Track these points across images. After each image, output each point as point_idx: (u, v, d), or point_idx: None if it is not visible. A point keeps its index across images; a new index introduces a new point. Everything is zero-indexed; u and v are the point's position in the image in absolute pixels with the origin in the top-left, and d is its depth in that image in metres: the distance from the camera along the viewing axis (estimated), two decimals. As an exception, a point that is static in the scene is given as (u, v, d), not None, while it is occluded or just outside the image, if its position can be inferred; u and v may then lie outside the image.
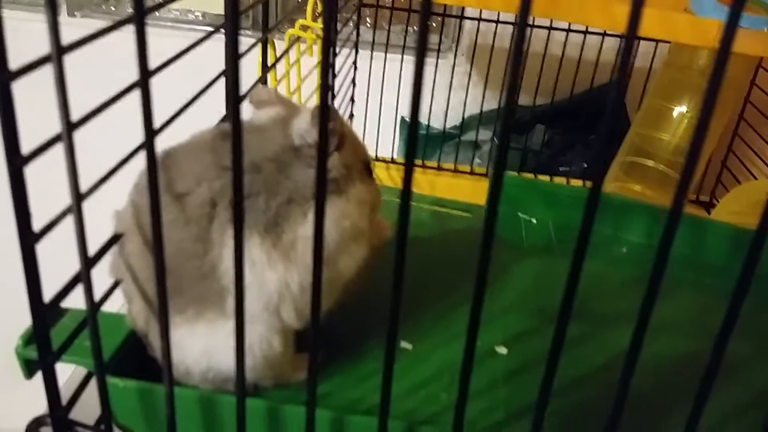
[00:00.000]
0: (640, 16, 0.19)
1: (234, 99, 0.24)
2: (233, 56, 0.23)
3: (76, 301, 0.31)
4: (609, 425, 0.28)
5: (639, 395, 0.38)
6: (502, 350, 0.41)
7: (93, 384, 0.34)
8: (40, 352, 0.29)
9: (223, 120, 0.46)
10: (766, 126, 0.88)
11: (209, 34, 0.38)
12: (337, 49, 0.82)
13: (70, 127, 0.26)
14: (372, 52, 1.00)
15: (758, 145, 0.90)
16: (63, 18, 1.10)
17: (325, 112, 0.27)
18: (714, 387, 0.25)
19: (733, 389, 0.39)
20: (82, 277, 0.28)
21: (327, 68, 0.26)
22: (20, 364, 0.33)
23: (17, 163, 0.25)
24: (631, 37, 0.19)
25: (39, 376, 0.30)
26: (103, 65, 0.75)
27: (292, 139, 0.35)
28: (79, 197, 0.27)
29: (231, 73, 0.24)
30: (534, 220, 0.56)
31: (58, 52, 0.24)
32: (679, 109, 0.85)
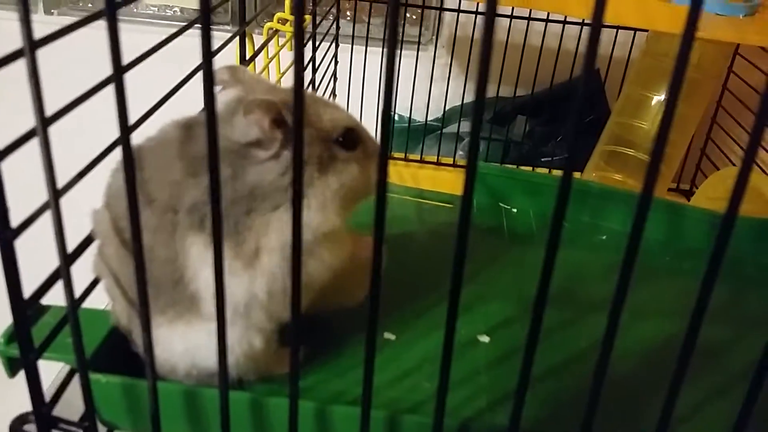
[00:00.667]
0: (605, 4, 0.19)
1: (209, 95, 0.24)
2: (206, 51, 0.23)
3: (59, 298, 0.31)
4: (587, 409, 0.28)
5: (622, 378, 0.39)
6: (485, 339, 0.42)
7: (77, 380, 0.34)
8: (21, 350, 0.29)
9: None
10: (744, 113, 0.89)
11: (184, 28, 0.38)
12: (317, 43, 0.82)
13: (44, 121, 0.25)
14: (352, 46, 1.00)
15: (736, 132, 0.91)
16: (39, 16, 1.08)
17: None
18: (693, 370, 0.26)
19: (714, 372, 0.40)
20: (62, 274, 0.28)
21: (300, 57, 0.25)
22: (3, 362, 0.33)
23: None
24: (597, 26, 0.19)
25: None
26: (81, 63, 0.74)
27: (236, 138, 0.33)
28: (56, 193, 0.27)
29: (206, 68, 0.24)
30: (515, 210, 0.57)
31: (31, 46, 0.24)
32: (658, 98, 0.85)
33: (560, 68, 1.00)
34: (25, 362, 0.29)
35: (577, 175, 0.94)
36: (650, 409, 0.36)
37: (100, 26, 0.27)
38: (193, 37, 0.39)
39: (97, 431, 0.32)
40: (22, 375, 0.32)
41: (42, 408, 0.30)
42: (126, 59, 0.27)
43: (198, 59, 0.40)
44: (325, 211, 0.34)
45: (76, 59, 0.64)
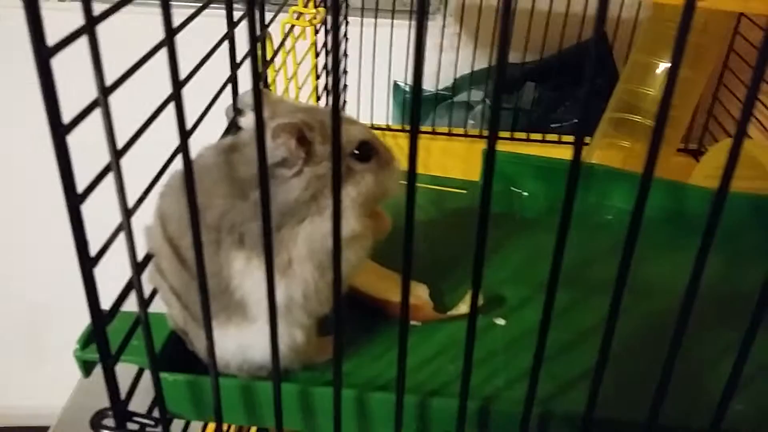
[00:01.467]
0: None
1: (257, 100, 0.27)
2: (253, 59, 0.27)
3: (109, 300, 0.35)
4: (592, 385, 0.32)
5: (630, 354, 0.43)
6: (501, 321, 0.46)
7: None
8: (101, 357, 0.33)
9: (226, 131, 0.48)
10: (749, 73, 0.91)
11: (201, 8, 0.40)
12: (328, 25, 0.84)
13: (117, 154, 0.29)
14: (362, 18, 1.01)
15: (742, 92, 0.93)
16: (53, 3, 1.10)
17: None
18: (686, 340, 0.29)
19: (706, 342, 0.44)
20: (135, 285, 0.33)
21: (336, 85, 0.29)
22: (78, 365, 0.37)
23: (75, 201, 0.29)
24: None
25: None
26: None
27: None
28: (128, 213, 0.31)
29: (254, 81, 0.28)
30: (526, 194, 0.60)
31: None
32: (664, 64, 0.87)
33: (568, 32, 1.02)
34: (104, 368, 0.34)
35: (586, 139, 0.97)
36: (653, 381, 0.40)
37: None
38: (208, 17, 0.40)
39: (167, 422, 0.37)
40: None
41: (119, 404, 0.35)
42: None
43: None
44: (346, 219, 0.37)
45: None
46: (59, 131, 0.27)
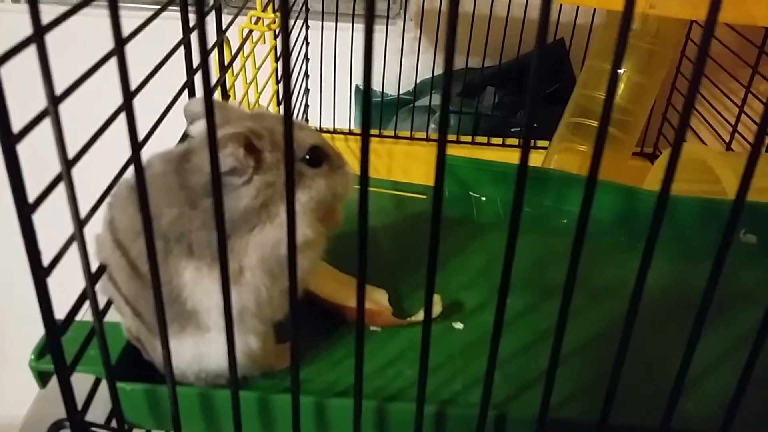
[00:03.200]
0: None
1: (208, 101, 0.28)
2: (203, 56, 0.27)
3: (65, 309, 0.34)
4: (546, 386, 0.33)
5: (584, 355, 0.44)
6: (459, 326, 0.47)
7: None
8: (56, 367, 0.33)
9: (182, 138, 0.48)
10: (701, 80, 0.94)
11: (155, 14, 0.40)
12: (289, 29, 0.84)
13: (68, 164, 0.29)
14: (322, 23, 1.01)
15: (696, 98, 0.96)
16: (7, 5, 1.08)
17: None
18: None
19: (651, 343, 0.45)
20: (88, 295, 0.33)
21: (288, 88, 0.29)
22: (34, 376, 0.37)
23: (26, 211, 0.28)
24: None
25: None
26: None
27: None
28: (81, 225, 0.30)
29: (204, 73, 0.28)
30: (484, 198, 0.61)
31: (54, 102, 0.27)
32: (618, 70, 0.89)
33: (526, 38, 1.04)
34: (59, 378, 0.33)
35: (545, 143, 0.99)
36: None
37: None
38: (165, 20, 0.40)
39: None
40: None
41: (76, 415, 0.35)
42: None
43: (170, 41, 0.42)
44: (298, 225, 0.37)
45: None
46: (8, 141, 0.27)
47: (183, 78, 0.48)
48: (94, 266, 0.36)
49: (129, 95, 0.28)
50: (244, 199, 0.36)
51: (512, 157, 0.31)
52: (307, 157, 0.39)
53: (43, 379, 0.37)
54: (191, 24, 0.45)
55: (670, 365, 0.32)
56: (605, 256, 0.55)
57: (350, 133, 1.01)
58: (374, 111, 1.09)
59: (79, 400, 0.35)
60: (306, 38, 0.98)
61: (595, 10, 1.01)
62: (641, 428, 0.37)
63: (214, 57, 0.56)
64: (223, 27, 0.56)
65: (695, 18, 0.84)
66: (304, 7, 0.96)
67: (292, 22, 0.88)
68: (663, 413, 0.33)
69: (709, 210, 0.58)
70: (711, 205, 0.59)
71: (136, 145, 0.28)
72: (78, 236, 0.31)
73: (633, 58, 0.88)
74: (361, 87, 1.11)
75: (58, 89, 0.28)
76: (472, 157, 0.61)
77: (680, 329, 0.31)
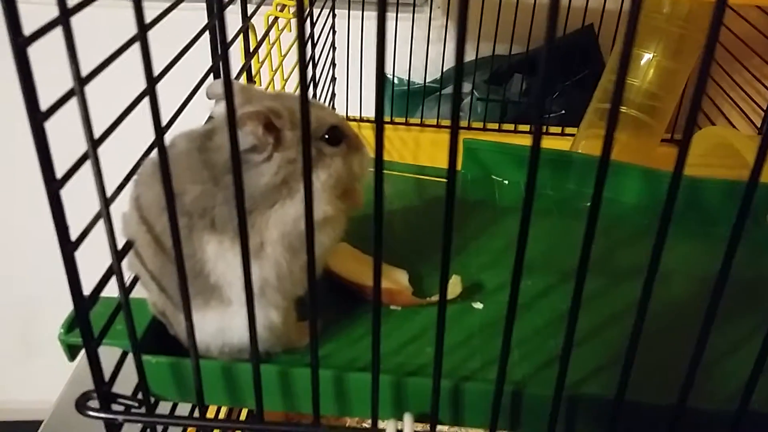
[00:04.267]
0: None
1: (228, 91, 0.28)
2: (223, 48, 0.28)
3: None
4: (560, 369, 0.33)
5: (605, 335, 0.44)
6: (478, 305, 0.47)
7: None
8: (84, 340, 0.34)
9: (208, 120, 0.49)
10: (733, 64, 0.92)
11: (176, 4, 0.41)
12: (315, 18, 0.85)
13: (94, 144, 0.30)
14: (349, 11, 1.02)
15: (727, 82, 0.94)
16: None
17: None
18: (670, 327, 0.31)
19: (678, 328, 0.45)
20: (115, 270, 0.34)
21: (303, 63, 0.30)
22: (63, 348, 0.38)
23: (54, 187, 0.30)
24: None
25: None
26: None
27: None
28: (107, 202, 0.32)
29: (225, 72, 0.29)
30: (506, 182, 0.61)
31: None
32: (648, 55, 0.88)
33: (554, 24, 1.03)
34: (87, 351, 0.35)
35: (574, 130, 0.98)
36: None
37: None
38: (184, 11, 0.41)
39: (150, 403, 0.38)
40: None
41: (103, 386, 0.36)
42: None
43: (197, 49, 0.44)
44: (317, 202, 0.38)
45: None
46: (37, 118, 0.28)
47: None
48: (120, 243, 0.38)
49: (152, 79, 0.29)
50: (265, 176, 0.37)
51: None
52: (326, 136, 0.40)
53: (72, 352, 0.38)
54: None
55: (690, 346, 0.32)
56: (629, 239, 0.54)
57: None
58: (401, 99, 1.10)
59: (107, 374, 0.37)
60: (333, 26, 0.99)
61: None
62: (659, 406, 0.37)
63: (239, 44, 0.57)
64: (248, 14, 0.57)
65: (728, 1, 0.82)
66: (330, -4, 0.96)
67: (317, 10, 0.89)
68: (679, 392, 0.33)
69: (737, 193, 0.57)
70: (738, 187, 0.58)
71: (159, 126, 0.29)
72: (104, 212, 0.32)
73: (663, 42, 0.87)
74: (388, 76, 1.12)
75: (86, 73, 0.29)
76: (494, 141, 0.61)
77: (701, 311, 0.31)
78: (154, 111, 0.29)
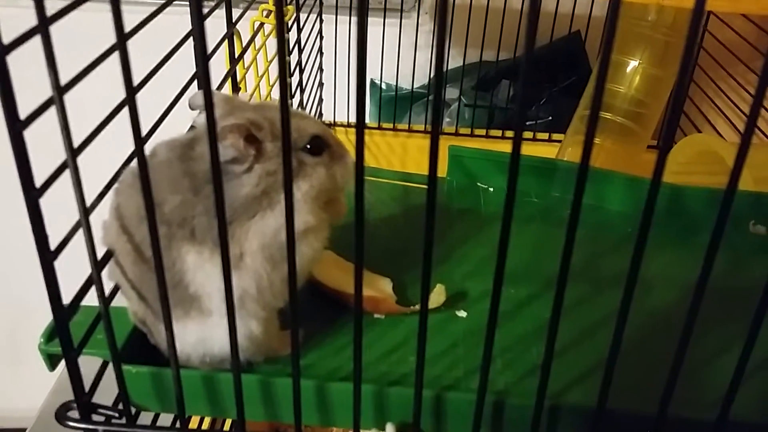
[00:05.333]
0: None
1: (208, 98, 0.28)
2: (203, 54, 0.28)
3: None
4: (542, 375, 0.33)
5: (585, 343, 0.44)
6: (462, 314, 0.47)
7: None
8: (63, 349, 0.34)
9: (190, 129, 0.49)
10: (717, 71, 0.93)
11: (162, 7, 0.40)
12: (302, 23, 0.85)
13: (74, 153, 0.30)
14: (336, 16, 1.02)
15: (712, 89, 0.95)
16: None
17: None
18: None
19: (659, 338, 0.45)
20: (94, 280, 0.34)
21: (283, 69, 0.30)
22: (43, 358, 0.38)
23: (33, 196, 0.29)
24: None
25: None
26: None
27: None
28: (86, 212, 0.31)
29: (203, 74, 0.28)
30: (491, 189, 0.61)
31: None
32: (633, 62, 0.89)
33: (541, 30, 1.03)
34: (67, 360, 0.34)
35: (560, 136, 0.98)
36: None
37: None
38: (170, 15, 0.40)
39: (131, 413, 0.37)
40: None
41: (83, 397, 0.36)
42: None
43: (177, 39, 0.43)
44: (299, 212, 0.38)
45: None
46: (16, 127, 0.28)
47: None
48: (100, 252, 0.37)
49: (131, 88, 0.28)
50: (245, 187, 0.37)
51: (526, 149, 0.31)
52: (308, 146, 0.40)
53: (52, 361, 0.38)
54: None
55: (671, 354, 0.32)
56: (612, 247, 0.54)
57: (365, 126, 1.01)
58: (388, 105, 1.10)
59: (88, 384, 0.37)
60: (320, 31, 0.99)
61: (609, 3, 1.00)
62: (640, 414, 0.37)
63: (224, 49, 0.57)
64: (234, 20, 0.57)
65: (711, 8, 0.83)
66: (317, 1, 0.96)
67: (305, 15, 0.89)
68: (660, 399, 0.33)
69: (719, 201, 0.58)
70: (720, 195, 0.58)
71: (139, 136, 0.29)
72: (83, 221, 0.31)
73: (649, 49, 0.87)
74: (376, 81, 1.12)
75: (65, 81, 0.29)
76: (479, 148, 0.61)
77: (683, 319, 0.31)
78: (133, 122, 0.29)
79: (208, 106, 0.28)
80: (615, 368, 0.32)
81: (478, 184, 0.62)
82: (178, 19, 0.48)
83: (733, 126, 0.92)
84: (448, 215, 0.56)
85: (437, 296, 0.47)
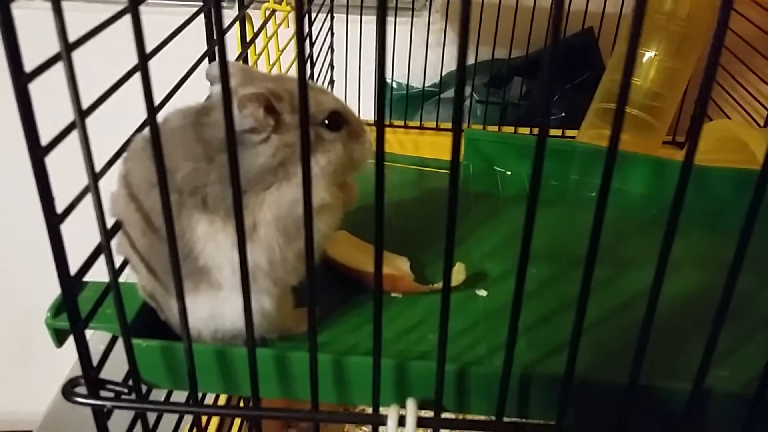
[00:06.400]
0: None
1: (224, 78, 0.27)
2: (219, 34, 0.26)
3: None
4: (570, 353, 0.32)
5: (609, 322, 0.43)
6: (482, 293, 0.46)
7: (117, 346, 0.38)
8: (71, 321, 0.32)
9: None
10: (735, 64, 0.91)
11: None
12: (313, 17, 0.84)
13: (82, 113, 0.29)
14: (347, 15, 1.01)
15: (729, 82, 0.93)
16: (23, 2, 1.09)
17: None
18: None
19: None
20: (104, 250, 0.32)
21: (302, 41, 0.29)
22: (50, 333, 0.36)
23: (39, 154, 0.28)
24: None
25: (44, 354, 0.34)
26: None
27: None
28: (95, 178, 0.30)
29: (220, 51, 0.27)
30: (509, 173, 0.60)
31: (67, 48, 0.27)
32: (649, 54, 0.87)
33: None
34: (74, 332, 0.33)
35: (573, 132, 0.97)
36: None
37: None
38: (176, 16, 0.40)
39: (141, 389, 0.36)
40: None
41: (91, 372, 0.34)
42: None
43: (195, 38, 0.43)
44: (315, 188, 0.37)
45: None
46: (21, 81, 0.27)
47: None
48: (109, 223, 0.36)
49: (144, 56, 0.27)
50: (261, 157, 0.36)
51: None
52: (326, 121, 0.39)
53: (59, 337, 0.37)
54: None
55: (698, 334, 0.30)
56: (636, 228, 0.53)
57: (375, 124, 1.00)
58: (399, 103, 1.09)
59: (96, 360, 0.35)
60: (331, 28, 0.98)
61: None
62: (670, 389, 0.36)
63: (235, 32, 0.56)
64: (245, 3, 0.56)
65: None
66: (328, -1, 0.96)
67: (315, 12, 0.88)
68: (695, 377, 0.32)
69: (745, 182, 0.56)
70: (746, 176, 0.57)
71: (151, 102, 0.28)
72: (92, 188, 0.30)
73: (664, 41, 0.86)
74: (387, 80, 1.11)
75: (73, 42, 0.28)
76: (497, 132, 0.59)
77: (711, 299, 0.30)
78: (145, 87, 0.28)
79: (223, 72, 0.26)
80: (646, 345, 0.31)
81: (496, 168, 0.60)
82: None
83: (751, 118, 0.90)
84: (466, 199, 0.55)
85: (457, 275, 0.45)
